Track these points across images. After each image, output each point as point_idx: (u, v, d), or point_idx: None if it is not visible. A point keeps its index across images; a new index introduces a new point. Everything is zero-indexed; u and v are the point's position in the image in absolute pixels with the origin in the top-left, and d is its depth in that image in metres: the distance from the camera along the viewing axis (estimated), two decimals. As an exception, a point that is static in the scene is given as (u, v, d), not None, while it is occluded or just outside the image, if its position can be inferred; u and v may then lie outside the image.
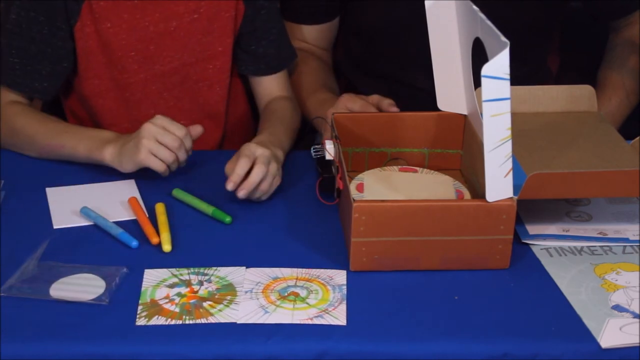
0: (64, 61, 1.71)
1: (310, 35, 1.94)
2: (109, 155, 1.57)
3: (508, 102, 1.28)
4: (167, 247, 1.42)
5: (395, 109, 1.66)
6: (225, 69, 1.79)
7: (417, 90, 1.90)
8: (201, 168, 1.66)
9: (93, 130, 1.68)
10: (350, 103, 1.67)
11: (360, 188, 1.52)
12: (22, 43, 1.68)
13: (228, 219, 1.50)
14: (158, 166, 1.53)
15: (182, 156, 1.55)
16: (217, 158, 1.73)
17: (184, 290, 1.34)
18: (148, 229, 1.46)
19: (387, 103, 1.67)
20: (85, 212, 1.50)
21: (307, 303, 1.31)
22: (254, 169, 1.50)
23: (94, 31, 1.69)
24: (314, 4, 1.92)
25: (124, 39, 1.70)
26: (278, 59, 1.82)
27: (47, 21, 1.67)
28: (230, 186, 1.50)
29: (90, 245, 1.44)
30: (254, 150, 1.52)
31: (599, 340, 1.25)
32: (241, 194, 1.50)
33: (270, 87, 1.82)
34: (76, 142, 1.62)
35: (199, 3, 1.72)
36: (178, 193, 1.57)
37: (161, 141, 1.52)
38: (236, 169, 1.50)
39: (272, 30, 1.80)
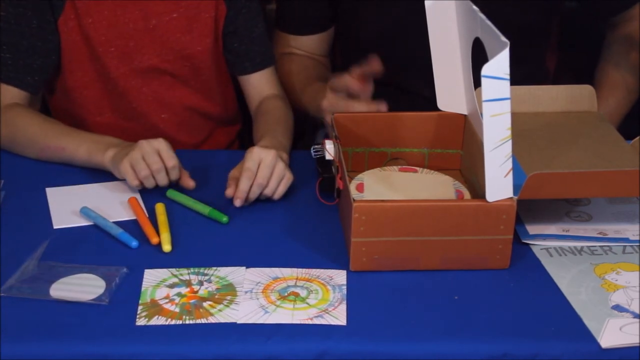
0: (53, 54, 1.73)
1: (306, 45, 1.94)
2: (108, 158, 1.58)
3: (508, 102, 1.28)
4: (167, 247, 1.42)
5: (383, 106, 1.64)
6: (203, 67, 1.81)
7: (416, 96, 1.89)
8: (197, 168, 1.66)
9: (95, 134, 1.68)
10: (333, 107, 1.65)
11: (360, 188, 1.52)
12: (14, 38, 1.70)
13: (225, 219, 1.50)
14: (131, 179, 1.53)
15: (161, 181, 1.54)
16: (212, 157, 1.73)
17: (184, 290, 1.34)
18: (148, 229, 1.46)
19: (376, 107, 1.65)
20: (85, 212, 1.50)
21: (307, 303, 1.31)
22: (253, 184, 1.51)
23: (76, 25, 1.71)
24: (308, 16, 1.92)
25: (103, 34, 1.72)
26: (262, 56, 1.83)
27: (35, 16, 1.69)
28: (237, 203, 1.52)
29: (90, 245, 1.44)
30: (258, 155, 1.53)
31: (599, 340, 1.25)
32: (237, 202, 1.51)
33: (259, 85, 1.83)
34: (77, 144, 1.62)
35: (178, 3, 1.74)
36: (172, 194, 1.56)
37: (146, 160, 1.52)
38: (240, 185, 1.51)
39: (253, 29, 1.81)
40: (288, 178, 1.56)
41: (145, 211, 1.52)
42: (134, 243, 1.43)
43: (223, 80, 1.87)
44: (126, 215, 1.51)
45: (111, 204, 1.54)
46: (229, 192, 1.53)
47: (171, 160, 1.53)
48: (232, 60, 1.83)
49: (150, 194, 1.57)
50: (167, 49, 1.77)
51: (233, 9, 1.78)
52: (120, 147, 1.58)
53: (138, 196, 1.56)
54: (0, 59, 1.70)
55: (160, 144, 1.53)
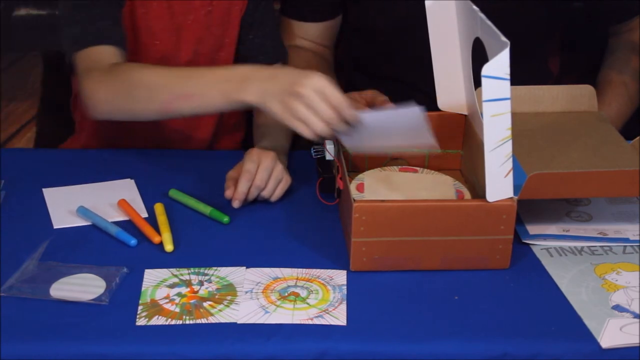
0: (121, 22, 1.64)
1: (313, 33, 1.94)
2: (252, 94, 1.41)
3: (508, 102, 1.28)
4: (169, 247, 1.42)
5: (390, 105, 1.66)
6: (229, 60, 1.79)
7: (417, 91, 1.89)
8: (197, 168, 1.66)
9: (219, 69, 1.51)
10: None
11: (360, 188, 1.52)
12: (86, 9, 1.59)
13: (226, 219, 1.50)
14: (305, 132, 1.37)
15: (340, 128, 1.37)
16: (212, 157, 1.73)
17: (184, 290, 1.34)
18: (147, 229, 1.46)
19: (381, 100, 1.68)
20: (82, 211, 1.50)
21: (307, 303, 1.31)
22: (252, 186, 1.51)
23: (129, 17, 1.68)
24: (318, 2, 1.92)
25: (152, 27, 1.68)
26: (275, 50, 1.82)
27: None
28: (235, 204, 1.52)
29: (90, 245, 1.44)
30: (257, 157, 1.53)
31: (599, 340, 1.25)
32: (235, 204, 1.52)
33: None
34: (206, 86, 1.46)
35: None
36: (175, 194, 1.57)
37: (314, 108, 1.35)
38: (239, 187, 1.51)
39: (268, 22, 1.81)
40: (286, 181, 1.56)
41: (145, 211, 1.52)
42: (133, 241, 1.43)
43: None
44: (125, 215, 1.51)
45: (110, 204, 1.54)
46: (228, 193, 1.53)
47: (338, 99, 1.35)
48: (245, 53, 1.80)
49: (150, 194, 1.57)
50: (202, 43, 1.74)
51: (253, 1, 1.77)
52: (257, 77, 1.42)
53: (137, 196, 1.56)
54: (80, 27, 1.59)
55: (320, 82, 1.35)
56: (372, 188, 1.52)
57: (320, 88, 1.36)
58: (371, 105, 1.69)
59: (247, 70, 1.44)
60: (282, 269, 1.39)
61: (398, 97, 1.71)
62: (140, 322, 1.27)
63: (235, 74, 1.45)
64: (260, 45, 1.80)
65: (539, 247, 1.45)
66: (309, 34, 1.94)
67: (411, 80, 1.91)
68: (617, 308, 1.31)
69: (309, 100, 1.36)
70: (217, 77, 1.46)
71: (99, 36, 1.58)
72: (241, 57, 1.81)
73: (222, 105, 1.46)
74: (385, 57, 1.94)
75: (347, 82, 2.02)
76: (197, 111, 1.50)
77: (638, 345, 1.25)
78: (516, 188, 1.35)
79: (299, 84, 1.36)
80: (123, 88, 1.51)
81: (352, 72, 2.02)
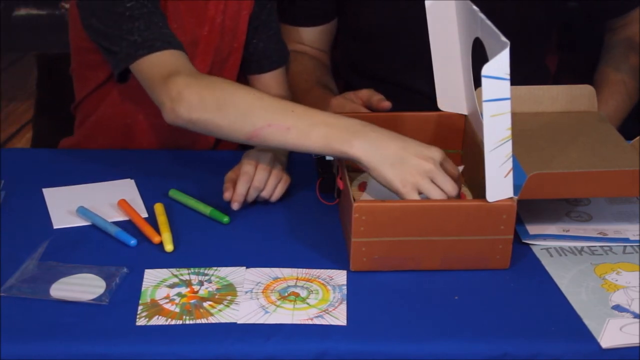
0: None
1: (308, 38, 1.94)
2: (360, 150, 1.38)
3: (508, 102, 1.28)
4: (169, 247, 1.42)
5: (386, 103, 1.67)
6: (236, 66, 1.79)
7: (416, 93, 1.90)
8: (197, 168, 1.67)
9: (325, 113, 1.44)
10: (339, 109, 1.68)
11: (362, 187, 1.52)
12: (143, 17, 1.54)
13: (226, 219, 1.50)
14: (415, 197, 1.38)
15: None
16: (212, 157, 1.73)
17: (184, 290, 1.34)
18: (147, 229, 1.46)
19: (377, 99, 1.68)
20: (82, 211, 1.50)
21: (307, 303, 1.31)
22: (250, 188, 1.51)
23: None
24: (311, 6, 1.92)
25: (182, 40, 1.60)
26: (279, 53, 1.82)
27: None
28: (235, 206, 1.51)
29: (90, 245, 1.44)
30: (255, 158, 1.53)
31: (599, 340, 1.25)
32: (235, 205, 1.51)
33: (269, 84, 1.82)
34: (308, 125, 1.40)
35: (226, 3, 1.72)
36: (175, 194, 1.57)
37: (437, 182, 1.38)
38: (237, 188, 1.51)
39: (272, 24, 1.80)
40: (285, 181, 1.56)
41: (145, 211, 1.52)
42: (133, 242, 1.43)
43: (242, 81, 1.86)
44: (126, 215, 1.51)
45: (110, 204, 1.54)
46: (227, 195, 1.52)
47: (454, 171, 1.40)
48: (248, 57, 1.80)
49: (150, 194, 1.57)
50: (217, 52, 1.74)
51: (259, 4, 1.76)
52: (368, 134, 1.38)
53: (137, 196, 1.56)
54: (140, 35, 1.52)
55: (441, 155, 1.39)
56: (374, 188, 1.52)
57: (441, 161, 1.39)
58: (367, 104, 1.70)
59: (356, 124, 1.40)
60: (282, 269, 1.39)
61: (396, 99, 1.71)
62: (140, 322, 1.27)
63: (343, 124, 1.40)
64: (263, 50, 1.80)
65: (539, 247, 1.45)
66: (304, 38, 1.94)
67: (409, 82, 1.91)
68: (617, 308, 1.31)
69: (434, 175, 1.37)
70: (321, 119, 1.41)
71: (166, 42, 1.53)
72: (245, 61, 1.81)
73: (319, 149, 1.40)
74: (383, 59, 1.94)
75: (345, 85, 2.02)
76: (287, 144, 1.42)
77: (638, 345, 1.25)
78: (516, 188, 1.35)
79: (424, 157, 1.37)
80: (214, 101, 1.44)
81: (350, 75, 2.02)
